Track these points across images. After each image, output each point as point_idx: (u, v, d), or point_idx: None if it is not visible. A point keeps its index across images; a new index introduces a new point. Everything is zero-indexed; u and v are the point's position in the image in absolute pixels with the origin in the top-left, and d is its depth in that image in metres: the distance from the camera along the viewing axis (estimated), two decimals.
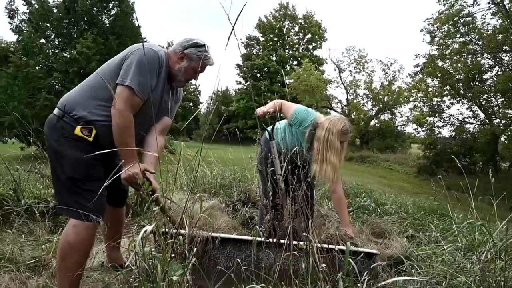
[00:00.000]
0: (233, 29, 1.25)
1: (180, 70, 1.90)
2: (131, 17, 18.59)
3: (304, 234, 1.65)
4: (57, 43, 18.40)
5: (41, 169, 3.83)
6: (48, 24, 17.48)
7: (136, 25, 18.44)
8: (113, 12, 18.62)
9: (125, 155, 1.68)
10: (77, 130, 1.67)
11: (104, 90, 1.71)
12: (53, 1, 17.92)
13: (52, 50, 18.01)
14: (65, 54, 17.57)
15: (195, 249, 1.51)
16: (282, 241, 1.69)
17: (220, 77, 1.60)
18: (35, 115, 14.34)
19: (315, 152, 2.51)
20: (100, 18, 18.49)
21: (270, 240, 1.80)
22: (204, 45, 1.93)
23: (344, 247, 1.78)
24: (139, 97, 1.71)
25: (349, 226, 2.60)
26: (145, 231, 1.17)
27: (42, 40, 17.64)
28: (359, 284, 1.54)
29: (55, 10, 17.47)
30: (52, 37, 18.17)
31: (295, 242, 1.65)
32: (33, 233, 2.72)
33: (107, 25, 18.53)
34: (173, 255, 1.42)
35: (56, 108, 1.78)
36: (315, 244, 1.61)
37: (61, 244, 1.69)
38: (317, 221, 2.86)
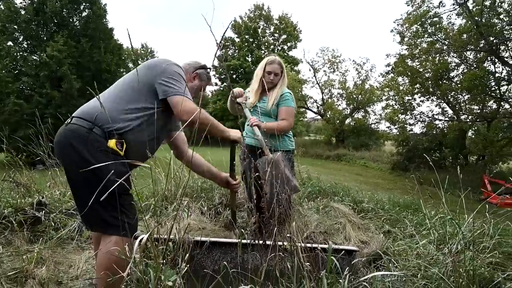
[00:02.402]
0: (218, 45, 1.30)
1: (192, 88, 2.05)
2: (104, 19, 18.19)
3: (288, 235, 1.71)
4: (26, 46, 17.74)
5: (15, 177, 3.72)
6: (15, 26, 16.82)
7: (109, 27, 18.08)
8: (84, 14, 18.13)
9: (225, 133, 2.02)
10: (112, 143, 1.61)
11: (133, 102, 1.72)
12: (21, 2, 17.31)
13: (21, 53, 17.37)
14: (34, 57, 16.97)
15: (186, 255, 1.54)
16: (268, 242, 1.75)
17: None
18: (4, 121, 13.81)
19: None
20: (71, 20, 17.95)
21: (256, 242, 1.85)
22: (209, 68, 2.15)
23: (326, 246, 1.87)
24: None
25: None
26: (141, 240, 1.21)
27: (10, 43, 16.98)
28: (341, 280, 1.63)
29: (22, 12, 16.85)
30: (20, 39, 17.52)
31: (279, 243, 1.71)
32: (11, 243, 2.65)
33: (79, 27, 18.02)
34: (163, 261, 1.45)
35: (80, 119, 1.67)
36: (299, 244, 1.68)
37: (105, 266, 1.57)
38: (299, 222, 2.95)
